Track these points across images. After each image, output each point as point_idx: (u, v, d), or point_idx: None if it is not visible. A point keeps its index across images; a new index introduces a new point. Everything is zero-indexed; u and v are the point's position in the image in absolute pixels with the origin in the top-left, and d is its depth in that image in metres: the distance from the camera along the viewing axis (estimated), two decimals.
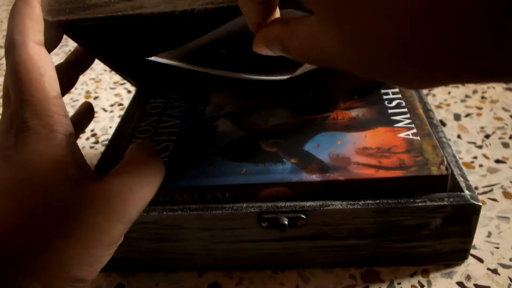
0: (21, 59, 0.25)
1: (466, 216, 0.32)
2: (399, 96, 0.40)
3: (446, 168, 0.32)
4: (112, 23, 0.29)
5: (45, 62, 0.25)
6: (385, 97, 0.40)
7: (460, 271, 0.35)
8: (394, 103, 0.39)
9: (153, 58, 0.29)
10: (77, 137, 0.35)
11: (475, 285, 0.34)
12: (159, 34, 0.35)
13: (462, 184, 0.32)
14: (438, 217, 0.32)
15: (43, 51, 0.26)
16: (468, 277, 0.34)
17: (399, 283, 0.34)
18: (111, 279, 0.37)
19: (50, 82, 0.25)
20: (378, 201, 0.32)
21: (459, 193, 0.32)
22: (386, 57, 0.16)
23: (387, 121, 0.37)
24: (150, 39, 0.37)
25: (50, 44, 0.28)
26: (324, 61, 0.20)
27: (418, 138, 0.35)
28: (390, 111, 0.38)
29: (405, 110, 0.38)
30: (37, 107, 0.24)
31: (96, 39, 0.35)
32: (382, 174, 0.32)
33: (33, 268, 0.22)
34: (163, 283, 0.37)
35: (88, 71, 0.75)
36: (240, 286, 0.36)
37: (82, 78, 0.73)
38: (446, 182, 0.32)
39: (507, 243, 0.37)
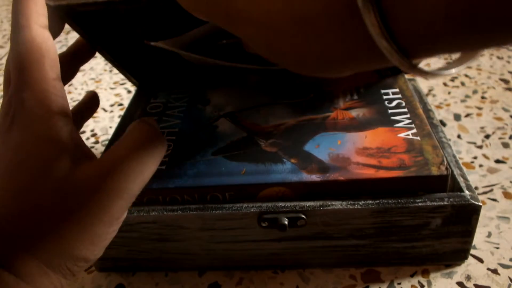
0: (23, 40, 0.25)
1: (466, 216, 0.32)
2: (399, 96, 0.40)
3: (446, 168, 0.32)
4: (113, 10, 0.29)
5: (47, 45, 0.26)
6: (385, 97, 0.40)
7: (460, 271, 0.35)
8: (394, 103, 0.39)
9: (152, 43, 0.29)
10: (82, 124, 0.35)
11: (475, 285, 0.34)
12: (160, 24, 0.35)
13: (462, 184, 0.33)
14: (438, 217, 0.32)
15: (46, 33, 0.26)
16: (468, 277, 0.34)
17: (399, 283, 0.34)
18: (111, 279, 0.37)
19: (51, 64, 0.25)
20: (378, 201, 0.32)
21: (459, 193, 0.32)
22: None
23: (387, 121, 0.37)
24: (150, 29, 0.36)
25: (52, 32, 0.29)
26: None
27: (418, 138, 0.35)
28: (390, 111, 0.38)
29: (405, 110, 0.38)
30: (35, 87, 0.24)
31: (98, 29, 0.35)
32: (382, 174, 0.32)
33: (34, 248, 0.22)
34: (163, 283, 0.37)
35: (88, 71, 0.75)
36: (240, 286, 0.36)
37: (82, 78, 0.73)
38: (446, 182, 0.32)
39: (507, 243, 0.37)
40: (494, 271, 0.35)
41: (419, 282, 0.34)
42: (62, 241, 0.22)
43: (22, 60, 0.25)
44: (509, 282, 0.34)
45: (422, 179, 0.32)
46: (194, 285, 0.36)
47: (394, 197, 0.32)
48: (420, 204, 0.31)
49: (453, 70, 0.21)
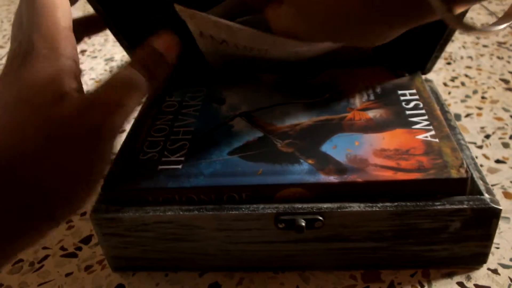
0: None
1: (486, 219, 0.31)
2: (417, 97, 0.40)
3: (466, 171, 0.31)
4: None
5: None
6: (402, 98, 0.40)
7: (460, 272, 0.35)
8: (411, 104, 0.39)
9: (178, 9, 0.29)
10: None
11: (475, 285, 0.34)
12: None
13: (482, 187, 0.32)
14: (457, 220, 0.31)
15: None
16: (468, 277, 0.34)
17: (399, 283, 0.34)
18: (111, 279, 0.37)
19: (63, 14, 0.26)
20: (396, 203, 0.31)
21: (479, 196, 0.32)
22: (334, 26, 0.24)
23: (404, 122, 0.37)
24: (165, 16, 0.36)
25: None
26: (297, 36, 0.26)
27: (437, 140, 0.35)
28: (407, 112, 0.38)
29: (423, 111, 0.38)
30: (46, 31, 0.25)
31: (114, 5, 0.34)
32: (401, 176, 0.32)
33: (24, 179, 0.22)
34: (164, 283, 0.36)
35: (88, 71, 0.73)
36: (241, 286, 0.35)
37: (82, 78, 0.71)
38: (466, 185, 0.32)
39: (507, 243, 0.37)
40: (494, 271, 0.35)
41: (419, 282, 0.34)
42: (53, 174, 0.23)
43: (36, 6, 0.25)
44: (509, 282, 0.34)
45: (441, 181, 0.31)
46: (195, 285, 0.36)
47: (412, 200, 0.31)
48: (439, 207, 0.31)
49: (501, 26, 0.22)
